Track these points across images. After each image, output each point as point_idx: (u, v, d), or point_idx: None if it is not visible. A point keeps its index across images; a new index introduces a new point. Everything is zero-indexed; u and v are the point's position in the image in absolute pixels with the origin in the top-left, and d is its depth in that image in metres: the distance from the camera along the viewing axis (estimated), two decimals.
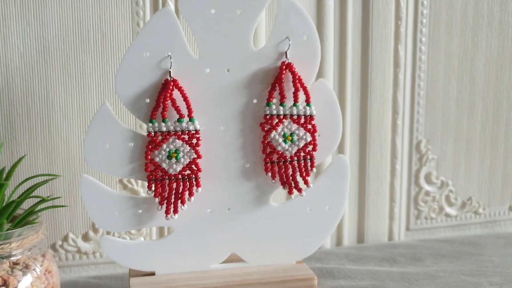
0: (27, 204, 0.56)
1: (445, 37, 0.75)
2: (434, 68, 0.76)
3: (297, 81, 0.55)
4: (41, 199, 0.52)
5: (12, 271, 0.49)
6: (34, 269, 0.50)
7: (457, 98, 0.77)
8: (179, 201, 0.54)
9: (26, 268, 0.50)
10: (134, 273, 0.57)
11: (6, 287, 0.48)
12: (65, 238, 0.67)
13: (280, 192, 0.58)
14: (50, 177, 0.55)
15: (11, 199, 0.50)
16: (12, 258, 0.50)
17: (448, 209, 0.80)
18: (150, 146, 0.54)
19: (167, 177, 0.54)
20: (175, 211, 0.55)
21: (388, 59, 0.74)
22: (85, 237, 0.68)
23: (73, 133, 0.65)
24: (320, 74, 0.72)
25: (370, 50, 0.73)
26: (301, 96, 0.56)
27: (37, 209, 0.53)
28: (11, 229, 0.51)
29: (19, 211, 0.54)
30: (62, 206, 0.55)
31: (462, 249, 0.74)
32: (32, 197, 0.53)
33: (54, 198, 0.54)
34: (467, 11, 0.75)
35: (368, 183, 0.76)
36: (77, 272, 0.68)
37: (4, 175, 0.54)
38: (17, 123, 0.64)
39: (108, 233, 0.67)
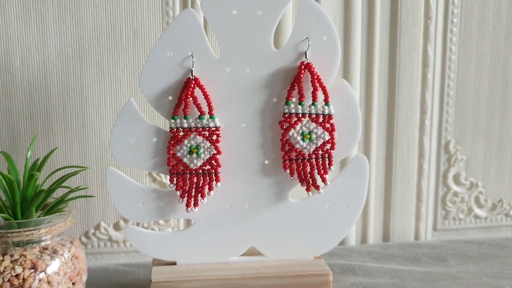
0: (59, 194, 0.60)
1: (476, 36, 0.75)
2: (465, 68, 0.75)
3: (315, 80, 0.56)
4: (70, 189, 0.55)
5: (41, 256, 0.52)
6: (62, 254, 0.54)
7: (488, 98, 0.76)
8: (199, 195, 0.57)
9: (54, 253, 0.53)
10: (157, 262, 0.60)
11: (35, 270, 0.51)
12: (97, 227, 0.71)
13: (301, 189, 0.59)
14: (79, 169, 0.58)
15: (41, 188, 0.54)
16: (42, 244, 0.53)
17: (478, 211, 0.79)
18: (172, 142, 0.56)
19: (188, 172, 0.57)
20: (195, 204, 0.57)
21: (416, 59, 0.73)
22: (116, 226, 0.71)
23: (106, 127, 0.69)
24: (347, 74, 0.72)
25: (398, 49, 0.73)
26: (320, 95, 0.57)
27: (66, 198, 0.56)
28: (42, 217, 0.54)
29: (50, 200, 0.57)
30: (90, 196, 0.58)
31: (488, 251, 0.73)
32: (62, 187, 0.56)
33: (82, 188, 0.57)
34: (500, 9, 0.74)
35: (395, 182, 0.76)
36: (108, 259, 0.72)
37: (37, 167, 0.58)
38: (53, 117, 0.67)
39: (138, 224, 0.71)
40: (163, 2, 0.67)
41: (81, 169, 0.58)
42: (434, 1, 0.73)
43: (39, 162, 0.59)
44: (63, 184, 0.56)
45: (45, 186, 0.57)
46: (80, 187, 0.57)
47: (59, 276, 0.53)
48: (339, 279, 0.65)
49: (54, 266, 0.53)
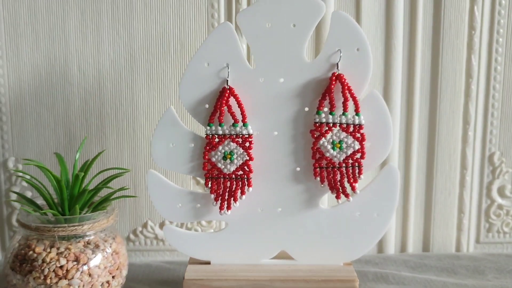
0: (107, 193, 0.64)
1: None
2: (511, 79, 0.74)
3: (346, 91, 0.58)
4: (112, 189, 0.60)
5: (84, 250, 0.57)
6: (104, 250, 0.58)
7: None
8: (232, 198, 0.60)
9: (96, 248, 0.58)
10: (193, 261, 0.63)
11: (77, 262, 0.56)
12: (145, 225, 0.76)
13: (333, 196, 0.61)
14: (122, 171, 0.62)
15: (87, 188, 0.59)
16: (86, 238, 0.58)
17: None
18: (207, 147, 0.59)
19: (222, 176, 0.60)
20: (228, 208, 0.60)
21: (459, 69, 0.73)
22: (162, 226, 0.76)
23: None
24: (388, 84, 0.73)
25: (441, 60, 0.73)
26: (351, 105, 0.58)
27: (110, 197, 0.61)
28: (87, 214, 0.59)
29: (96, 199, 0.62)
30: (133, 196, 0.63)
31: None
32: (106, 187, 0.61)
33: (124, 189, 0.62)
34: None
35: (436, 192, 0.76)
36: (153, 257, 0.76)
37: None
38: (106, 121, 0.73)
39: (181, 224, 0.75)
40: (208, 15, 0.71)
41: (124, 171, 0.62)
42: (479, 11, 0.72)
43: (88, 163, 0.64)
44: (108, 185, 0.61)
45: (93, 186, 0.62)
46: (123, 188, 0.62)
47: (100, 269, 0.57)
48: (371, 286, 0.66)
49: (95, 260, 0.57)
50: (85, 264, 0.56)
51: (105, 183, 0.62)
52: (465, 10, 0.72)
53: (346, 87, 0.58)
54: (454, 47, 0.73)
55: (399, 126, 0.75)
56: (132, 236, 0.76)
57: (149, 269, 0.72)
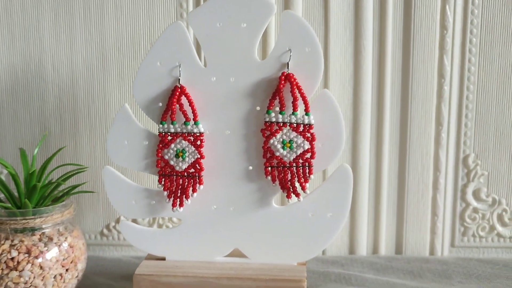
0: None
1: (499, 47, 0.71)
2: (486, 80, 0.72)
3: (295, 90, 0.58)
4: (63, 184, 0.62)
5: (37, 243, 0.59)
6: (57, 243, 0.60)
7: None
8: (184, 196, 0.61)
9: (50, 241, 0.60)
10: (149, 257, 0.64)
11: (29, 255, 0.58)
12: (118, 220, 0.77)
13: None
14: (81, 168, 0.64)
15: (41, 183, 0.61)
16: (41, 231, 0.60)
17: (501, 229, 0.75)
18: (160, 145, 0.60)
19: (174, 174, 0.61)
20: (181, 205, 0.61)
21: (431, 70, 0.72)
22: (135, 221, 0.77)
23: None
24: (357, 85, 0.73)
25: (412, 60, 0.72)
26: (301, 105, 0.58)
27: (72, 192, 0.63)
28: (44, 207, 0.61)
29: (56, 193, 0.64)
30: (90, 192, 0.64)
31: (500, 273, 0.69)
32: (60, 182, 0.62)
33: (79, 185, 0.64)
34: None
35: (408, 194, 0.75)
36: (126, 251, 0.78)
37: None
38: (79, 118, 0.75)
39: (153, 220, 0.76)
40: (178, 14, 0.72)
41: (82, 168, 0.64)
42: (451, 10, 0.70)
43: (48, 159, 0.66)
44: (68, 180, 0.63)
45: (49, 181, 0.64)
46: (81, 183, 0.64)
47: (51, 262, 0.59)
48: (331, 287, 0.66)
49: (48, 253, 0.59)
50: (36, 256, 0.58)
51: (65, 178, 0.63)
52: (436, 9, 0.71)
53: (295, 87, 0.58)
54: (426, 47, 0.72)
55: (370, 127, 0.74)
56: (105, 231, 0.78)
57: (118, 264, 0.73)
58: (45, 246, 0.59)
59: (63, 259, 0.60)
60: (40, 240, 0.59)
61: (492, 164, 0.74)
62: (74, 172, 0.64)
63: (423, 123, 0.73)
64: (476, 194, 0.75)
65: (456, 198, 0.75)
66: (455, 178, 0.75)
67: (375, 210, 0.76)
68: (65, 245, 0.61)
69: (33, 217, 0.59)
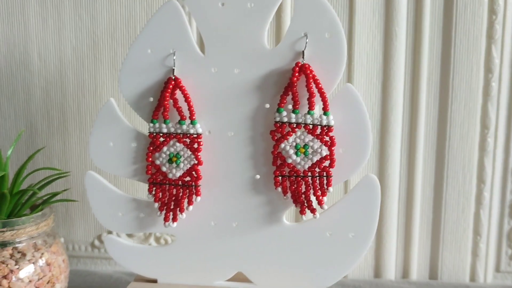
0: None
1: None
2: None
3: (312, 85, 0.48)
4: (37, 192, 0.53)
5: (7, 260, 0.50)
6: (30, 260, 0.51)
7: None
8: (178, 209, 0.51)
9: (22, 257, 0.51)
10: (139, 278, 0.55)
11: None
12: (110, 232, 0.68)
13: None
14: (61, 173, 0.55)
15: (11, 191, 0.52)
16: (15, 246, 0.51)
17: None
18: (151, 148, 0.51)
19: (167, 182, 0.51)
20: (174, 219, 0.51)
21: (476, 62, 0.61)
22: (129, 234, 0.68)
23: None
24: (387, 80, 0.62)
25: (453, 51, 0.61)
26: (319, 102, 0.48)
27: (51, 201, 0.54)
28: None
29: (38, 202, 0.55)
30: (73, 200, 0.55)
31: None
32: (30, 189, 0.53)
33: (57, 193, 0.55)
34: None
35: (445, 209, 0.64)
36: (120, 266, 0.69)
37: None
38: (68, 114, 0.66)
39: (146, 234, 0.67)
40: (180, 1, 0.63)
41: (63, 173, 0.55)
42: None
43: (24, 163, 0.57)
44: (35, 188, 0.54)
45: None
46: (61, 191, 0.55)
47: (23, 282, 0.50)
48: None
49: (20, 271, 0.50)
50: (5, 276, 0.49)
51: (40, 187, 0.55)
52: None
53: (312, 80, 0.48)
54: (470, 35, 0.61)
55: (401, 129, 0.63)
56: (97, 242, 0.69)
57: (107, 281, 0.65)
58: (15, 264, 0.50)
59: (38, 279, 0.51)
60: (11, 257, 0.51)
61: None
62: (52, 179, 0.55)
63: (466, 125, 0.62)
64: None
65: (503, 215, 0.64)
66: (502, 191, 0.64)
67: (405, 227, 0.65)
68: (41, 262, 0.52)
69: (2, 229, 0.50)
